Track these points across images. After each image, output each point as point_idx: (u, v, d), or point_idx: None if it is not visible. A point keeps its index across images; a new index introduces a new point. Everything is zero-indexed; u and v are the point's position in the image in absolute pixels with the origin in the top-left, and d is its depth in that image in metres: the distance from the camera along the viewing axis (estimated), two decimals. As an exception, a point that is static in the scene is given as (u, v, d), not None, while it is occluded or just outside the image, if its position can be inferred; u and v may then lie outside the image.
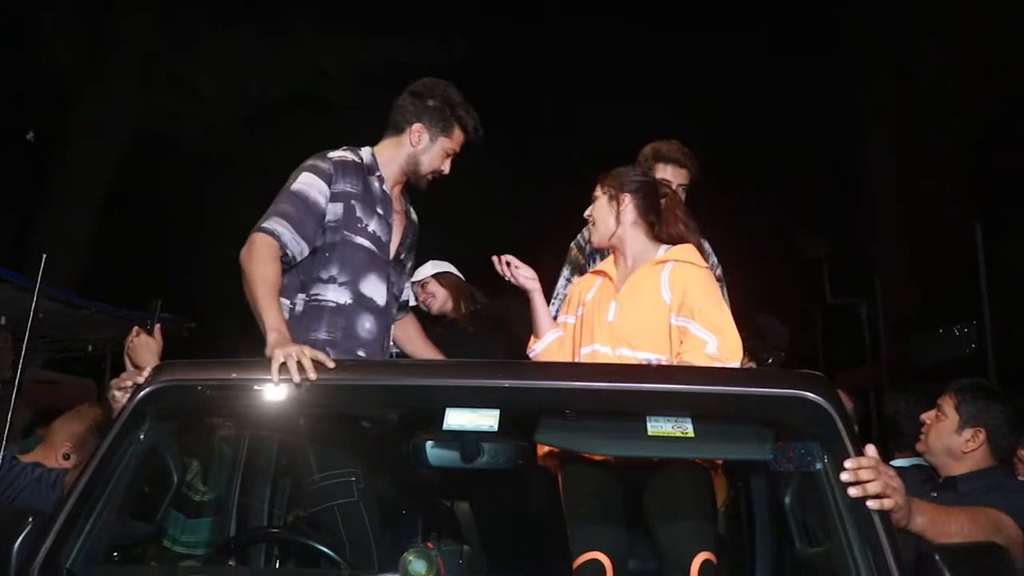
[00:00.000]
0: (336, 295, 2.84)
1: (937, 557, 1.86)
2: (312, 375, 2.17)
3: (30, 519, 2.07)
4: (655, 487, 2.61)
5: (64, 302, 7.46)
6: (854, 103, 14.01)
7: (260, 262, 2.67)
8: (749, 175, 13.96)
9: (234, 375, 2.27)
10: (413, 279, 3.84)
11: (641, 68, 14.72)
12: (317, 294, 2.84)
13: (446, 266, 4.20)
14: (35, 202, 11.77)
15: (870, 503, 1.89)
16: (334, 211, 2.86)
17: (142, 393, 2.22)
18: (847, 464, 1.91)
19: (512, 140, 14.55)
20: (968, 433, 2.86)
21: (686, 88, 14.35)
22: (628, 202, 2.93)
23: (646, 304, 2.79)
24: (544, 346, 3.02)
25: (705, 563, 2.38)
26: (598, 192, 3.01)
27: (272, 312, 2.53)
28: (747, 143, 14.29)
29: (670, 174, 3.50)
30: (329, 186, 2.86)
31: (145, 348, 2.80)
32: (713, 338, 2.65)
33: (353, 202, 2.88)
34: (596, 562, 2.47)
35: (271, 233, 2.73)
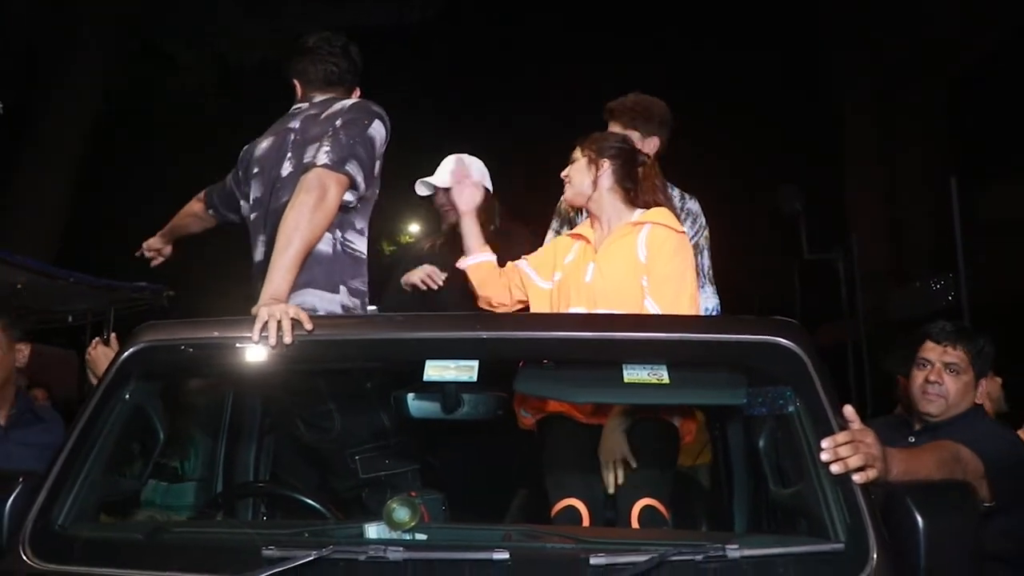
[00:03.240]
0: (364, 247, 2.84)
1: (906, 496, 1.91)
2: (288, 338, 2.19)
3: (20, 479, 2.11)
4: None
5: (42, 273, 7.42)
6: (830, 59, 14.01)
7: (325, 218, 2.59)
8: (726, 132, 13.96)
9: (216, 334, 2.29)
10: (434, 179, 3.66)
11: (618, 26, 14.66)
12: (352, 242, 2.79)
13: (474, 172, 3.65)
14: (9, 173, 11.63)
15: (855, 477, 1.89)
16: (379, 166, 2.87)
17: (126, 353, 2.24)
18: (824, 444, 1.90)
19: (486, 97, 14.53)
20: (981, 384, 2.89)
21: (664, 46, 14.31)
22: (607, 167, 2.93)
23: (623, 265, 2.81)
24: (477, 261, 3.07)
25: (645, 508, 2.49)
26: (577, 154, 3.01)
27: (287, 274, 2.47)
28: (724, 100, 14.28)
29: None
30: (386, 141, 2.87)
31: (104, 359, 2.80)
32: (657, 310, 2.69)
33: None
34: (572, 508, 2.55)
35: (351, 180, 2.67)
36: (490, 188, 3.68)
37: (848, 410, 2.00)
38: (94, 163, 11.91)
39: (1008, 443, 2.81)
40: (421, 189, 3.74)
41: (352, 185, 2.69)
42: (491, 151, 3.87)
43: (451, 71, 14.43)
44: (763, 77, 14.33)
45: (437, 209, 3.76)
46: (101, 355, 2.88)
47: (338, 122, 2.78)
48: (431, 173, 3.77)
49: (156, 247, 3.44)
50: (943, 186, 8.59)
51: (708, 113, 13.98)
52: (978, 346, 2.91)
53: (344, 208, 2.72)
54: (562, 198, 3.49)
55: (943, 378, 2.89)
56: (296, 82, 3.06)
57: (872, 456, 1.92)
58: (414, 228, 13.43)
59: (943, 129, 12.26)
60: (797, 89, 14.37)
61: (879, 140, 13.19)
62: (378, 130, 2.82)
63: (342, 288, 2.72)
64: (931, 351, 2.95)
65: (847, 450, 1.90)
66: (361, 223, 2.84)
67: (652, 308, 2.70)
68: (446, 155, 3.78)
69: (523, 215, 3.79)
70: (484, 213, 3.52)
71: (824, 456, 1.90)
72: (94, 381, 2.73)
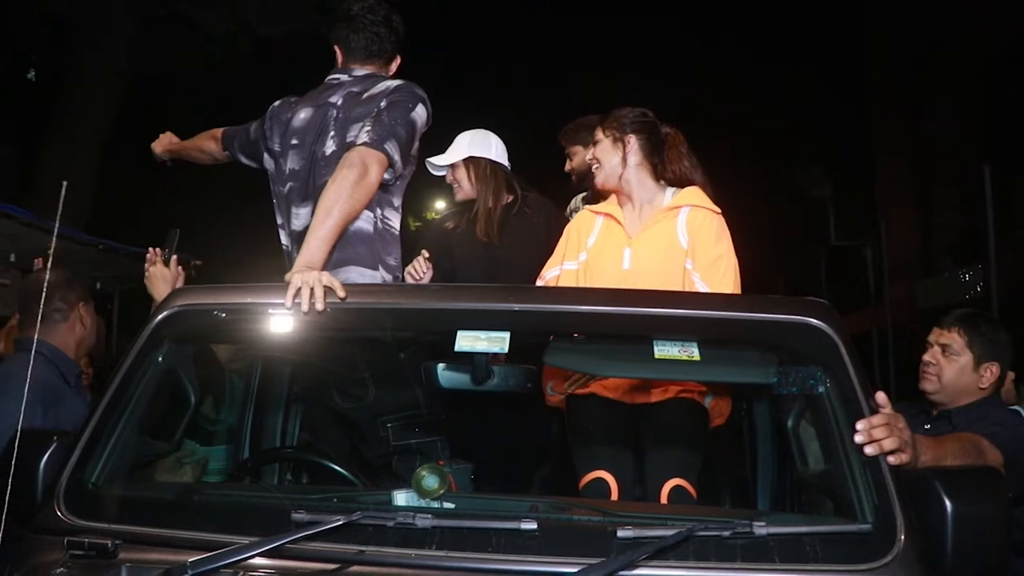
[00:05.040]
0: (398, 224, 2.93)
1: (935, 480, 1.89)
2: (320, 305, 2.21)
3: (55, 438, 2.14)
4: (646, 422, 2.73)
5: (72, 239, 7.47)
6: (859, 42, 13.82)
7: (365, 195, 2.65)
8: (754, 116, 13.84)
9: (249, 299, 2.30)
10: (445, 159, 3.68)
11: (646, 7, 14.54)
12: (389, 219, 2.89)
13: (481, 147, 3.68)
14: (38, 140, 11.73)
15: (889, 459, 1.90)
16: (416, 147, 2.94)
17: (159, 317, 2.26)
18: (859, 425, 1.91)
19: (511, 67, 14.45)
20: (984, 369, 2.90)
21: (693, 30, 14.19)
22: (633, 143, 2.93)
23: (663, 251, 2.81)
24: None
25: (674, 488, 2.51)
26: (600, 135, 3.00)
27: (323, 247, 2.52)
28: (752, 84, 14.15)
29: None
30: (427, 123, 2.93)
31: (160, 279, 2.87)
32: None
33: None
34: (601, 480, 2.57)
35: (390, 159, 2.72)
36: (506, 162, 3.70)
37: (880, 396, 2.00)
38: (123, 133, 11.99)
39: (1020, 434, 2.82)
40: (433, 169, 3.75)
41: (390, 164, 2.73)
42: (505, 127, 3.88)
43: (469, 43, 14.41)
44: (793, 62, 14.17)
45: (450, 184, 3.77)
46: (156, 276, 2.94)
47: (383, 103, 2.83)
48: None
49: (158, 155, 3.54)
50: (975, 174, 8.48)
51: (737, 99, 13.88)
52: (978, 330, 2.94)
53: (383, 187, 2.78)
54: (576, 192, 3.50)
55: (937, 358, 2.97)
56: (337, 48, 3.10)
57: (904, 441, 1.93)
58: (440, 204, 13.46)
59: (976, 116, 12.07)
60: (827, 74, 14.20)
61: (910, 126, 13.03)
62: (420, 114, 2.88)
63: (380, 265, 2.81)
64: (932, 333, 3.04)
65: (882, 432, 1.90)
66: (397, 200, 2.92)
67: (703, 290, 2.71)
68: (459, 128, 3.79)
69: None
70: (502, 187, 3.63)
71: (858, 437, 1.90)
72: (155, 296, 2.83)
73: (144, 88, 12.37)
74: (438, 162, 3.70)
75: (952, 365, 2.94)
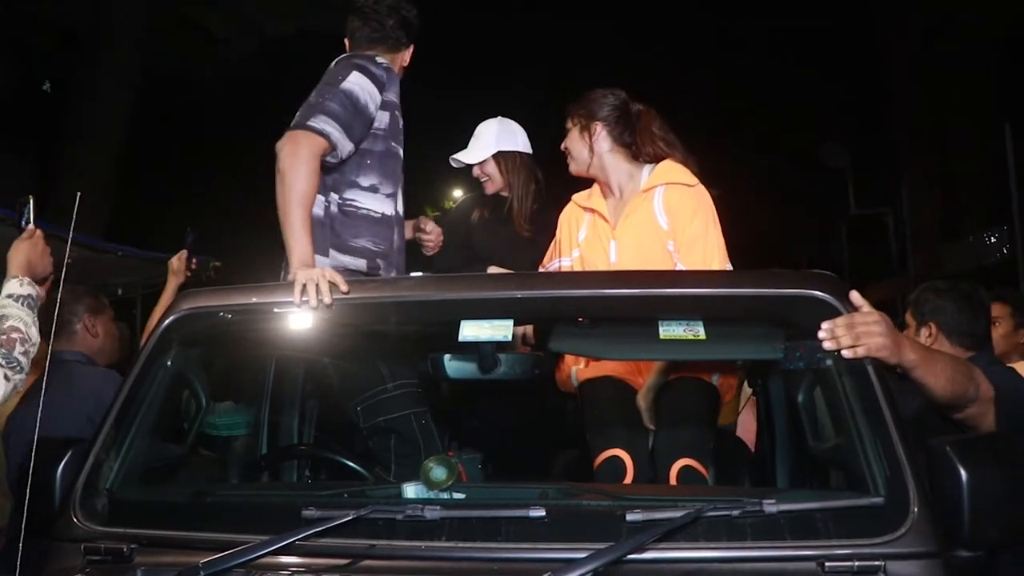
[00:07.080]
0: (381, 206, 2.85)
1: (948, 448, 1.86)
2: (328, 299, 2.23)
3: (69, 447, 2.17)
4: (655, 402, 2.69)
5: (91, 247, 7.54)
6: (877, 5, 13.62)
7: (303, 172, 2.57)
8: (771, 86, 13.70)
9: (254, 300, 2.31)
10: (473, 156, 3.62)
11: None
12: (354, 200, 2.81)
13: (511, 140, 3.64)
14: (54, 151, 11.85)
15: (844, 352, 1.96)
16: (381, 119, 2.85)
17: (167, 321, 2.28)
18: (824, 325, 1.97)
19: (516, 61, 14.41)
20: (924, 332, 2.98)
21: (707, 7, 14.06)
22: (600, 130, 2.88)
23: (646, 237, 2.77)
24: None
25: (684, 468, 2.48)
26: (569, 124, 2.95)
27: (302, 238, 2.51)
28: (769, 54, 14.00)
29: None
30: (381, 93, 2.84)
31: (171, 270, 3.09)
32: None
33: (397, 113, 2.91)
34: (616, 459, 2.54)
35: (320, 133, 2.64)
36: (529, 150, 3.67)
37: (853, 295, 2.06)
38: (136, 139, 12.09)
39: (1014, 381, 2.81)
40: (457, 163, 3.72)
41: (329, 140, 2.66)
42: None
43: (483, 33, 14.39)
44: (810, 28, 14.01)
45: (477, 178, 3.74)
46: (170, 266, 3.13)
47: (320, 84, 2.79)
48: (470, 133, 3.76)
49: None
50: (996, 134, 8.36)
51: (754, 69, 13.74)
52: (922, 298, 3.07)
53: (334, 166, 2.74)
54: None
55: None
56: (347, 41, 3.08)
57: (868, 334, 1.97)
58: (457, 193, 13.47)
59: (995, 74, 11.87)
60: (845, 39, 14.03)
61: (930, 87, 12.82)
62: (356, 81, 2.78)
63: (332, 251, 2.75)
64: None
65: (841, 331, 1.98)
66: (368, 180, 2.84)
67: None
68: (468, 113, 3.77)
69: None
70: (531, 179, 3.61)
71: (821, 334, 1.98)
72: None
73: (156, 93, 12.46)
74: (467, 160, 3.66)
75: (907, 333, 3.08)
